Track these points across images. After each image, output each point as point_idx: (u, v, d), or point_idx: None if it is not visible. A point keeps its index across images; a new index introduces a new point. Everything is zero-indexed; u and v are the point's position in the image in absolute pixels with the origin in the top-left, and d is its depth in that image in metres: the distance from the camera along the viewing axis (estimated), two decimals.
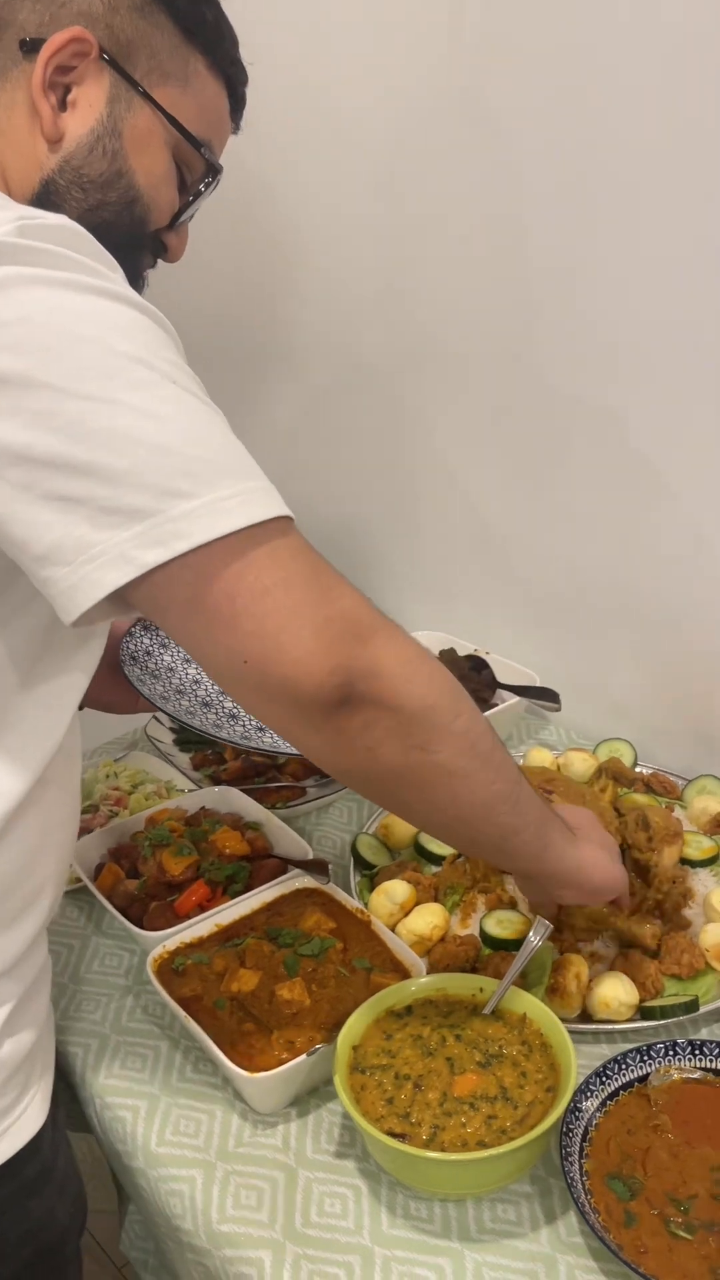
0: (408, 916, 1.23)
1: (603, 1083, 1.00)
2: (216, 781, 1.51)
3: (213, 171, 1.00)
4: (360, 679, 0.78)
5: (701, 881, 1.28)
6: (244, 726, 1.22)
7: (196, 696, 1.21)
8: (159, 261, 1.04)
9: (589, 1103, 0.98)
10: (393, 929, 1.22)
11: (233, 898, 1.23)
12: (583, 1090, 0.98)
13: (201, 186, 1.00)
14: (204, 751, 1.59)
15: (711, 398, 1.30)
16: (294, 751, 1.33)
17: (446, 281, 1.54)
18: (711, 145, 1.19)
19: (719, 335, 1.26)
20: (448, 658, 1.70)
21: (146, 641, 1.21)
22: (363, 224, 1.61)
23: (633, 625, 1.52)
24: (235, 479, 0.75)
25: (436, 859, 1.34)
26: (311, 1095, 1.06)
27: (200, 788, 1.47)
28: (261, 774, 1.53)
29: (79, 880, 1.28)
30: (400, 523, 1.79)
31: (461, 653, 1.70)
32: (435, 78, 1.42)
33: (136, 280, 0.99)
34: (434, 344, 1.60)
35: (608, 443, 1.43)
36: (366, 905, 1.26)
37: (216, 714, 1.20)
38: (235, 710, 1.22)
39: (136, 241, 0.98)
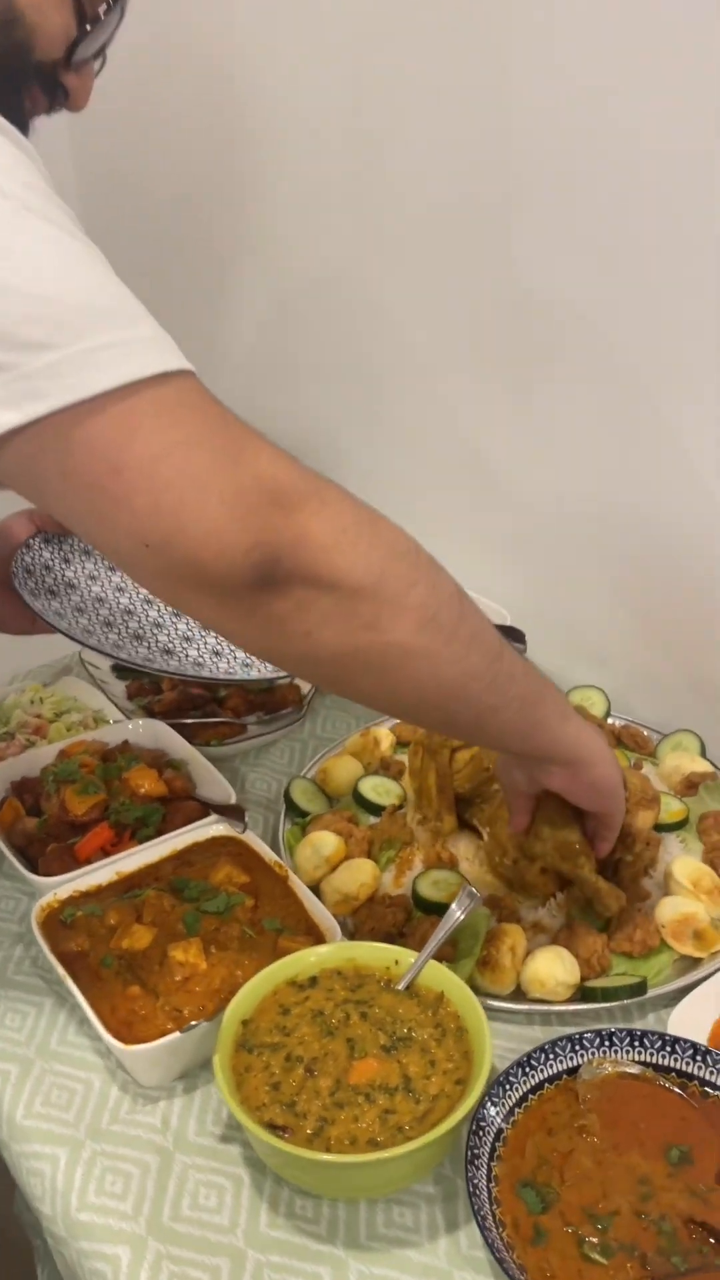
0: (334, 872, 1.11)
1: (525, 1074, 0.88)
2: (150, 714, 1.38)
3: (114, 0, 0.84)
4: (285, 554, 0.66)
5: (666, 848, 1.15)
6: (148, 649, 1.09)
7: (99, 616, 1.07)
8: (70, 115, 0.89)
9: (507, 1098, 0.86)
10: (316, 886, 1.10)
11: (142, 843, 1.11)
12: (501, 1084, 0.86)
13: (101, 12, 0.84)
14: (140, 680, 1.47)
15: (712, 312, 1.14)
16: (221, 679, 1.21)
17: (422, 167, 1.36)
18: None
19: None
20: None
21: (47, 555, 1.08)
22: (333, 108, 1.44)
23: (614, 563, 1.38)
24: (111, 326, 0.62)
25: (376, 809, 1.21)
26: (204, 1068, 0.94)
27: (132, 719, 1.35)
28: (199, 707, 1.40)
29: None
30: (371, 439, 1.63)
31: None
32: None
33: (20, 123, 0.84)
34: (408, 238, 1.43)
35: (595, 358, 1.27)
36: (292, 858, 1.14)
37: (119, 634, 1.07)
38: (140, 631, 1.09)
39: (16, 72, 0.83)
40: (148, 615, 1.12)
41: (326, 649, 0.71)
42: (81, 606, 1.06)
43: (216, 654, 1.15)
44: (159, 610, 1.14)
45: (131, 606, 1.11)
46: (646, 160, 1.13)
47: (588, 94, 1.15)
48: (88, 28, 0.85)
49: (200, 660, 1.13)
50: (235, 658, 1.15)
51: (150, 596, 1.13)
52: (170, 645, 1.11)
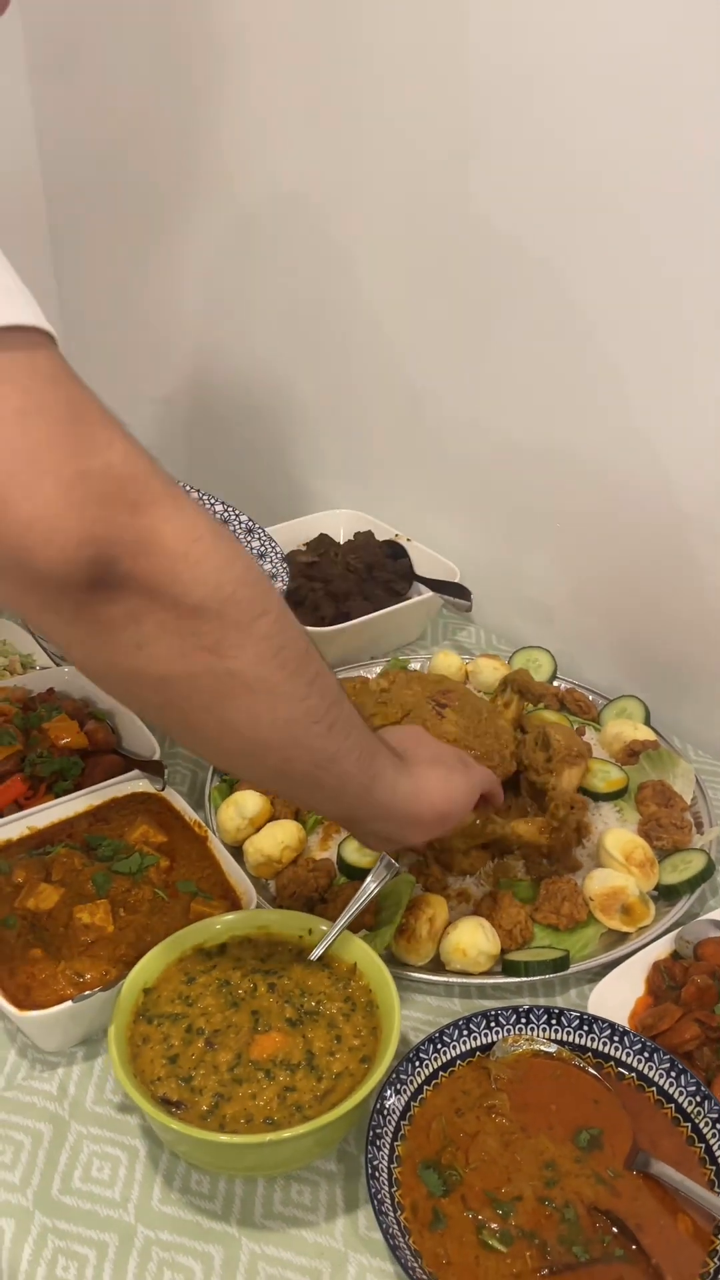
0: (258, 834, 1.07)
1: (436, 1050, 0.85)
2: None
3: None
4: (125, 554, 0.59)
5: (602, 818, 1.12)
6: None
7: None
8: None
9: (415, 1076, 0.83)
10: (239, 848, 1.06)
11: (59, 796, 1.06)
12: (411, 1059, 0.83)
13: None
14: None
15: (671, 275, 1.08)
16: None
17: (382, 99, 1.29)
18: None
19: (685, 177, 1.04)
20: (363, 540, 1.51)
21: None
22: (291, 39, 1.36)
23: (566, 522, 1.33)
24: None
25: None
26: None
27: (60, 666, 1.29)
28: None
29: None
30: (323, 383, 1.57)
31: (380, 537, 1.51)
32: None
33: None
34: (364, 176, 1.36)
35: (551, 307, 1.21)
36: (216, 817, 1.09)
37: None
38: None
39: None
40: None
41: (158, 667, 0.63)
42: None
43: None
44: None
45: None
46: (605, 106, 1.07)
47: (548, 34, 1.09)
48: None
49: None
50: None
51: None
52: None
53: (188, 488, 1.32)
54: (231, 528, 1.39)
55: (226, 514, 1.41)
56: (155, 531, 0.60)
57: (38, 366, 0.58)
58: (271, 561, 1.37)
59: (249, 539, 1.40)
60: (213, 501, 1.41)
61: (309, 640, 0.71)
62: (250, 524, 1.40)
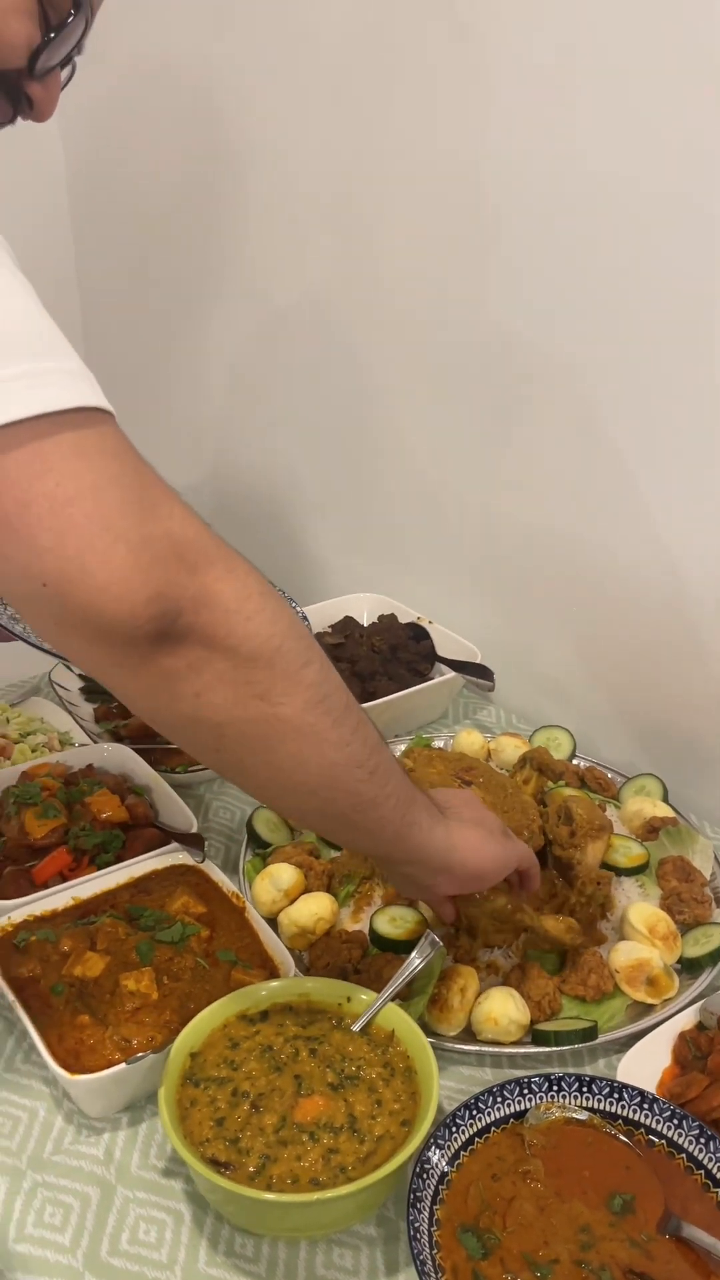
0: (292, 905, 1.10)
1: (473, 1117, 0.88)
2: (117, 738, 1.38)
3: (77, 6, 0.83)
4: (186, 610, 0.66)
5: (625, 892, 1.16)
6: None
7: None
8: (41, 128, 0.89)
9: (452, 1141, 0.86)
10: (274, 919, 1.09)
11: (101, 869, 1.10)
12: (447, 1126, 0.86)
13: (68, 20, 0.83)
14: (109, 704, 1.46)
15: (679, 374, 1.16)
16: None
17: (403, 203, 1.39)
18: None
19: (694, 293, 1.12)
20: (387, 623, 1.57)
21: None
22: (318, 140, 1.47)
23: (581, 606, 1.39)
24: (29, 356, 0.62)
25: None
26: (151, 1100, 0.93)
27: (98, 743, 1.34)
28: None
29: None
30: (346, 473, 1.65)
31: (403, 619, 1.57)
32: None
33: None
34: (387, 270, 1.45)
35: (568, 402, 1.29)
36: (250, 889, 1.13)
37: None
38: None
39: None
40: None
41: (214, 713, 0.70)
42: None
43: None
44: None
45: None
46: (620, 205, 1.16)
47: (564, 138, 1.18)
48: (51, 35, 0.83)
49: None
50: None
51: None
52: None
53: None
54: None
55: None
56: (212, 589, 0.67)
57: (106, 444, 0.65)
58: None
59: None
60: None
61: (350, 693, 0.77)
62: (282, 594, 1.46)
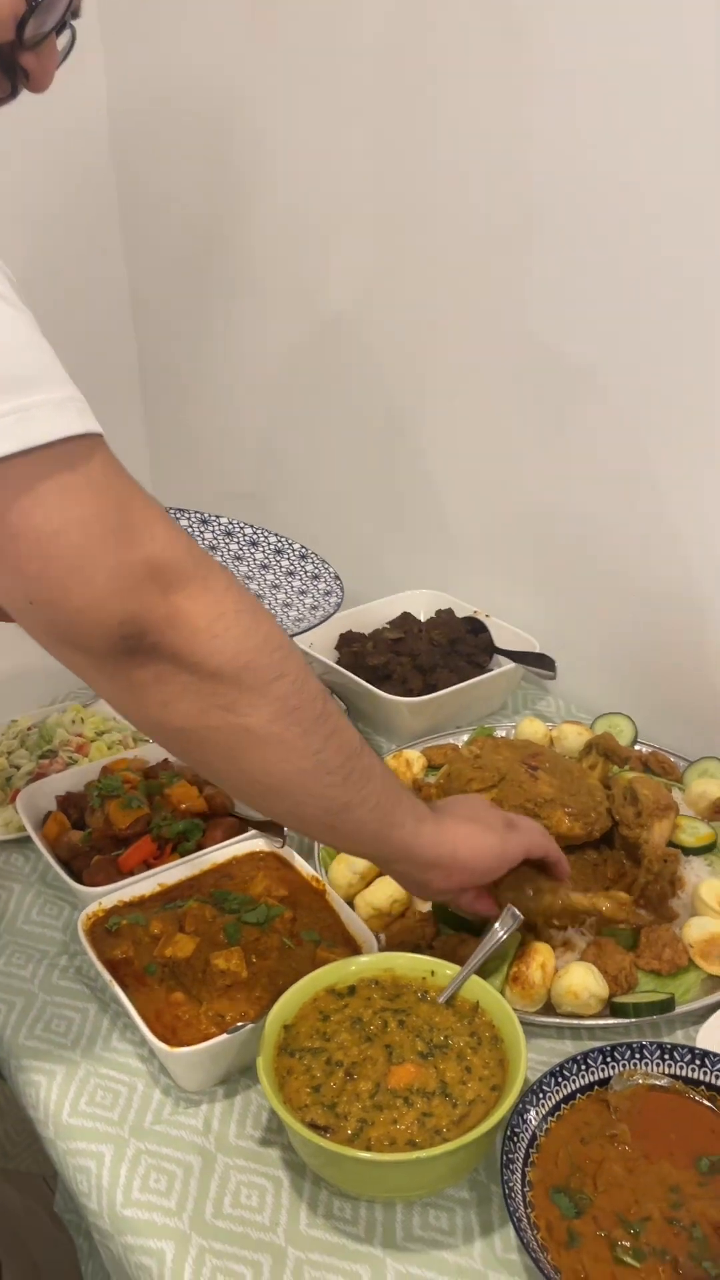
0: (368, 888, 1.13)
1: (558, 1084, 0.90)
2: None
3: None
4: (152, 630, 0.71)
5: (694, 870, 1.18)
6: None
7: None
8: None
9: (541, 1105, 0.88)
10: (351, 901, 1.12)
11: (183, 856, 1.14)
12: (535, 1091, 0.88)
13: None
14: None
15: None
16: None
17: (440, 210, 1.42)
18: None
19: None
20: (445, 618, 1.60)
21: None
22: (350, 155, 1.51)
23: (640, 596, 1.41)
24: (15, 392, 0.65)
25: None
26: (244, 1074, 0.97)
27: None
28: None
29: (23, 828, 1.20)
30: (401, 475, 1.68)
31: (460, 614, 1.60)
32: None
33: None
34: (433, 283, 1.49)
35: (619, 404, 1.32)
36: (327, 873, 1.17)
37: None
38: None
39: None
40: None
41: (181, 720, 0.75)
42: None
43: None
44: None
45: None
46: (654, 214, 1.18)
47: (603, 146, 1.21)
48: (35, 3, 0.83)
49: None
50: None
51: None
52: None
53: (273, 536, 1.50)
54: (286, 557, 1.50)
55: (280, 544, 1.52)
56: (181, 609, 0.72)
57: (92, 476, 0.69)
58: (325, 580, 1.47)
59: (303, 564, 1.49)
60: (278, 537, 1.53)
61: (328, 701, 0.81)
62: (303, 550, 1.51)
